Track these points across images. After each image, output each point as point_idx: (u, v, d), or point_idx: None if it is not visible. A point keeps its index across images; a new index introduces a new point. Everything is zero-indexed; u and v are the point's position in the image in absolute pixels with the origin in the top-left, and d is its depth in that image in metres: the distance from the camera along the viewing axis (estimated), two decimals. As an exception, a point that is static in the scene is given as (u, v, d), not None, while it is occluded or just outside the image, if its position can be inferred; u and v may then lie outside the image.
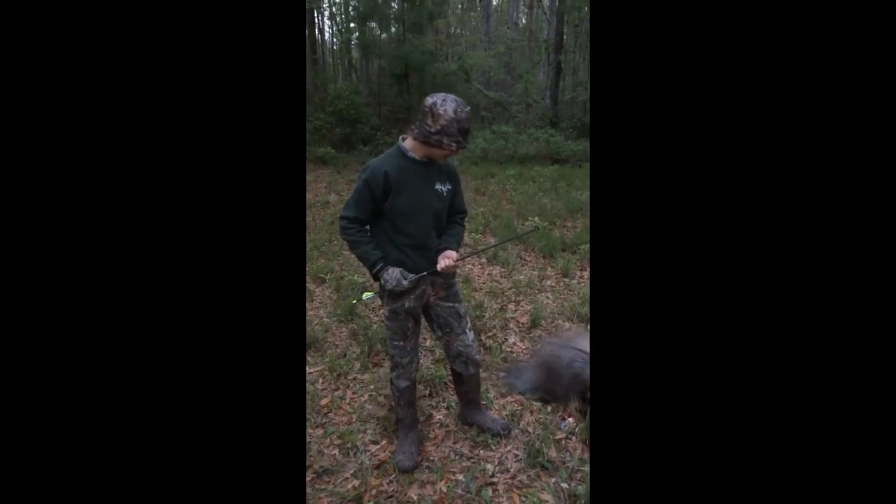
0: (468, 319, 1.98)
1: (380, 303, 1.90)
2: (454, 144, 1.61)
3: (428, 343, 2.81)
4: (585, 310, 3.18)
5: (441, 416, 2.22)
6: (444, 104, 1.57)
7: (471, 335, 1.97)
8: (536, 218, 1.89)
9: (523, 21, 18.95)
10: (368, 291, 1.90)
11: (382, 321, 3.06)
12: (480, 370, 2.07)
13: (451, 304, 1.90)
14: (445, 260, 1.77)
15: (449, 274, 1.88)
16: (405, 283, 1.73)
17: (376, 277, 1.77)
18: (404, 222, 1.73)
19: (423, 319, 1.96)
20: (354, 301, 2.88)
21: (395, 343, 1.89)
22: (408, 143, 1.72)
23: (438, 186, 1.76)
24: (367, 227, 1.80)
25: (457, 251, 1.83)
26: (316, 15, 14.23)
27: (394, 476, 1.87)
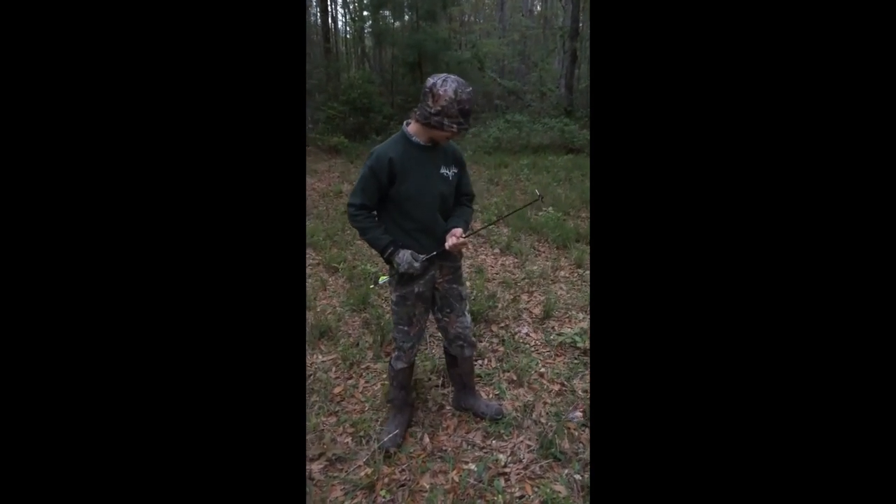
0: (468, 302, 2.00)
1: (388, 283, 1.90)
2: (455, 126, 1.58)
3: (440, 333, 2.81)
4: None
5: (453, 406, 2.22)
6: (445, 84, 1.54)
7: (469, 318, 1.99)
8: (536, 190, 1.88)
9: (538, 8, 18.69)
10: (383, 275, 1.90)
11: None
12: (475, 352, 2.09)
13: (455, 286, 1.92)
14: (452, 238, 1.76)
15: (455, 255, 1.88)
16: (417, 264, 1.73)
17: (388, 261, 1.77)
18: (411, 207, 1.72)
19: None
20: (371, 286, 2.88)
21: (400, 327, 1.92)
22: (411, 128, 1.71)
23: (444, 170, 1.75)
24: (375, 212, 1.80)
25: (464, 230, 1.82)
26: (329, 3, 14.17)
27: (406, 465, 1.88)
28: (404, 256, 1.73)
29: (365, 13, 14.63)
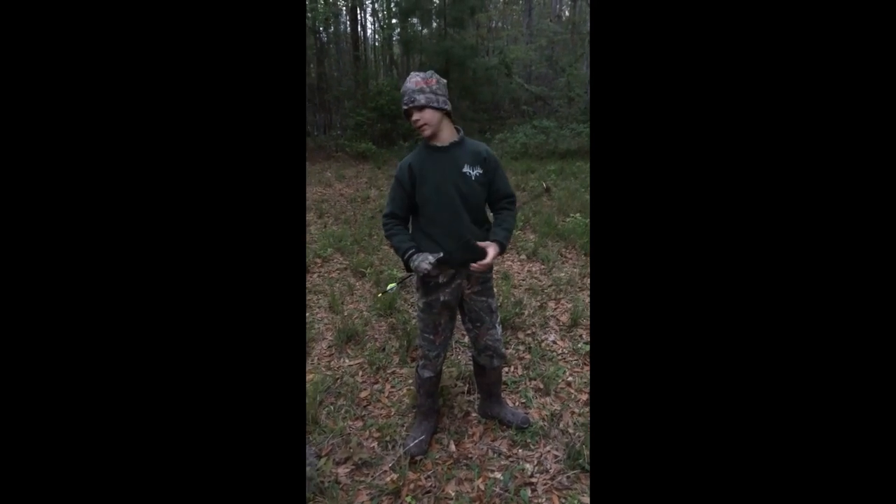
0: (498, 314, 1.98)
1: (397, 290, 1.90)
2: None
3: (466, 339, 2.80)
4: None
5: (479, 413, 2.21)
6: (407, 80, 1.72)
7: (499, 329, 1.97)
8: (544, 183, 1.87)
9: (566, 13, 18.56)
10: (391, 283, 1.89)
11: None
12: (504, 363, 2.06)
13: (483, 299, 1.90)
14: (481, 263, 1.73)
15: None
16: (425, 265, 1.70)
17: (408, 266, 1.77)
18: (431, 209, 1.75)
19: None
20: (380, 294, 2.92)
21: (426, 336, 1.92)
22: None
23: (466, 170, 1.73)
24: (406, 221, 1.83)
25: (504, 241, 1.78)
26: (358, 11, 14.40)
27: (431, 471, 1.87)
28: (419, 258, 1.73)
29: (393, 21, 14.81)
